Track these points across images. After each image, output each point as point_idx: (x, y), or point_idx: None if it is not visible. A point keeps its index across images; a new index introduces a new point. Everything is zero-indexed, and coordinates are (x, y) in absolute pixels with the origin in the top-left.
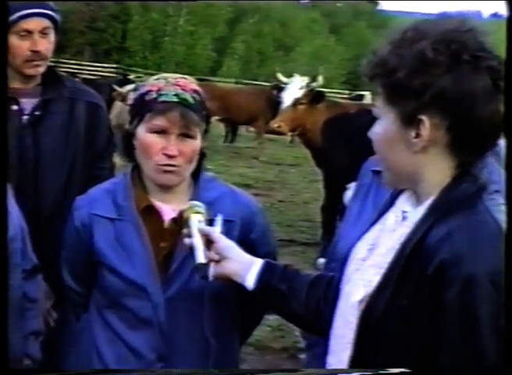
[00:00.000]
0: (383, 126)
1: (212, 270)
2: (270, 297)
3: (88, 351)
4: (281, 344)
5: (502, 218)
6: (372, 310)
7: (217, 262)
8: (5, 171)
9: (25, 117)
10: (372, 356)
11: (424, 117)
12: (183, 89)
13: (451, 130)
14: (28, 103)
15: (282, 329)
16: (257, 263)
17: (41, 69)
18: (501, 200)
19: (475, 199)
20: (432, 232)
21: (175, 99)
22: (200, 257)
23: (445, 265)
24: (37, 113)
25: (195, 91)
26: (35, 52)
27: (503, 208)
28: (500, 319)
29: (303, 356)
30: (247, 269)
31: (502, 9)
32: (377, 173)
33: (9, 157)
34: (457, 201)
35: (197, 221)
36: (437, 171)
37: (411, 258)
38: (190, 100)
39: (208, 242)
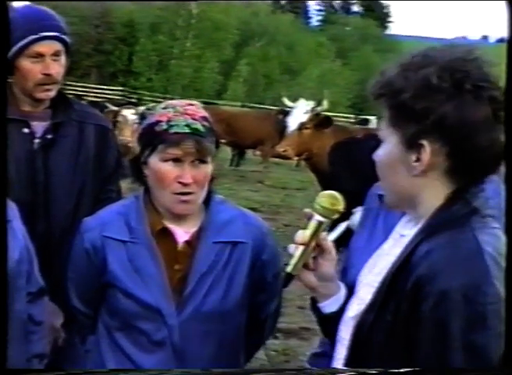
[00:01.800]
0: (386, 149)
1: (305, 277)
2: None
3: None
4: (289, 367)
5: (487, 239)
6: (361, 326)
7: (314, 270)
8: (5, 184)
9: (36, 140)
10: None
11: (425, 142)
12: (193, 118)
13: (450, 156)
14: (39, 126)
15: (287, 353)
16: (343, 288)
17: (52, 94)
18: (494, 224)
19: (463, 221)
20: (416, 251)
21: (187, 130)
22: (293, 267)
23: (421, 280)
24: (48, 137)
25: (204, 119)
26: (47, 76)
27: (497, 232)
28: (472, 333)
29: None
30: (336, 292)
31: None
32: (381, 196)
33: (20, 179)
34: (445, 222)
35: (318, 223)
36: (434, 194)
37: (396, 275)
38: (202, 129)
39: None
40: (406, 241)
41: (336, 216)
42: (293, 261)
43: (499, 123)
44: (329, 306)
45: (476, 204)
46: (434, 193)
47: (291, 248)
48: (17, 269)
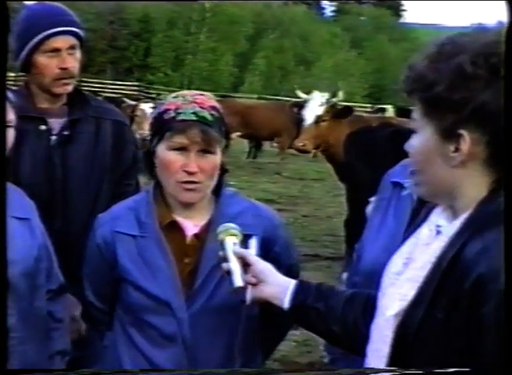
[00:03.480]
0: (421, 140)
1: (250, 294)
2: (305, 315)
3: (113, 368)
4: (307, 359)
5: None
6: (408, 324)
7: (254, 285)
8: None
9: (53, 137)
10: (409, 366)
11: (463, 132)
12: (200, 107)
13: (491, 145)
14: (56, 123)
15: (309, 344)
16: (293, 284)
17: (70, 88)
18: None
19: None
20: (468, 246)
21: (193, 117)
22: (238, 281)
23: (482, 279)
24: (65, 133)
25: (213, 108)
26: (64, 70)
27: None
28: None
29: (329, 371)
30: (284, 291)
31: None
32: (396, 184)
33: (38, 177)
34: (493, 216)
35: (232, 244)
36: (475, 186)
37: (448, 272)
38: (209, 117)
39: (245, 265)
40: (447, 233)
41: (230, 239)
42: (235, 278)
43: None
44: (284, 300)
45: None
46: (474, 183)
47: (223, 267)
48: (36, 267)
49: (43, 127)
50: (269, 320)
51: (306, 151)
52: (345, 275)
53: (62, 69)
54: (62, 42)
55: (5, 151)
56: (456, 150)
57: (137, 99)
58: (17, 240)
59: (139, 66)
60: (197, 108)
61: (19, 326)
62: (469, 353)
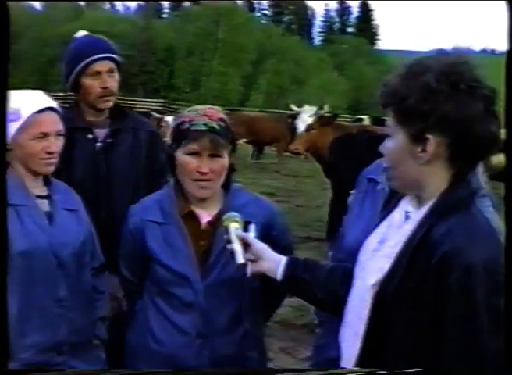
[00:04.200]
0: (394, 143)
1: (250, 269)
2: (295, 285)
3: (142, 329)
4: (302, 321)
5: (492, 217)
6: (385, 291)
7: (253, 261)
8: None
9: (98, 144)
10: (385, 329)
11: (430, 136)
12: (210, 119)
13: (451, 146)
14: (100, 133)
15: (302, 309)
16: (285, 259)
17: (111, 104)
18: (488, 202)
19: (469, 201)
20: (434, 228)
21: (204, 128)
22: (240, 258)
23: (447, 255)
24: (108, 141)
25: (221, 119)
26: (105, 89)
27: (491, 209)
28: (495, 299)
29: (318, 330)
30: (277, 265)
31: (490, 45)
32: (371, 180)
33: (85, 177)
34: (454, 203)
35: (234, 229)
36: (438, 179)
37: (417, 249)
38: (217, 127)
39: (245, 245)
40: (415, 218)
41: (234, 224)
42: (238, 256)
43: (491, 116)
44: (278, 273)
45: (474, 185)
46: (438, 178)
47: (230, 249)
48: (82, 249)
49: (90, 136)
50: (268, 290)
51: (299, 154)
52: (330, 253)
53: (103, 88)
54: (102, 66)
55: (5, 151)
56: (423, 151)
57: (163, 113)
58: (67, 227)
59: (164, 86)
60: (207, 120)
61: (68, 297)
62: (438, 316)
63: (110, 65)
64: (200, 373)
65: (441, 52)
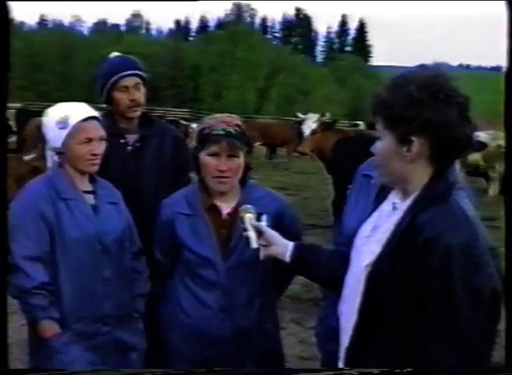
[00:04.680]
0: (383, 144)
1: (262, 253)
2: (301, 266)
3: (173, 304)
4: (308, 296)
5: (467, 207)
6: (376, 271)
7: (265, 246)
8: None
9: (129, 148)
10: (377, 303)
11: (414, 138)
12: (227, 125)
13: (432, 147)
14: (131, 138)
15: (309, 285)
16: (292, 244)
17: (138, 113)
18: (464, 194)
19: (447, 194)
20: (417, 217)
21: (222, 132)
22: (254, 244)
23: (429, 240)
24: (137, 145)
25: (237, 125)
26: (132, 101)
27: (467, 200)
28: (469, 276)
29: (322, 303)
30: (286, 250)
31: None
32: (366, 175)
33: (118, 175)
34: (434, 196)
35: (249, 219)
36: (420, 175)
37: (403, 235)
38: (233, 132)
39: (259, 233)
40: (401, 209)
41: (248, 215)
42: (252, 241)
43: (465, 120)
44: (286, 256)
45: (451, 180)
46: (420, 174)
47: (245, 236)
48: (123, 236)
49: (122, 141)
50: (279, 271)
51: (305, 154)
52: (333, 239)
53: (131, 100)
54: (129, 82)
55: (5, 152)
56: (408, 151)
57: (189, 121)
58: (110, 217)
59: (190, 98)
60: (225, 126)
61: (111, 277)
62: (422, 292)
63: (136, 80)
64: (199, 373)
65: (422, 67)
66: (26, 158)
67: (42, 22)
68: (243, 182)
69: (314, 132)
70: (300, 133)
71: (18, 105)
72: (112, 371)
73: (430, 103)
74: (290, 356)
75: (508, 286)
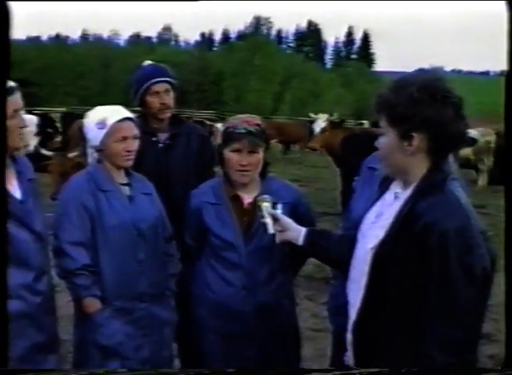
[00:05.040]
0: (386, 140)
1: (278, 237)
2: (313, 249)
3: (201, 283)
4: (320, 275)
5: (459, 195)
6: (380, 253)
7: (281, 231)
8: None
9: (160, 145)
10: (381, 281)
11: (414, 134)
12: (249, 124)
13: (430, 141)
14: (162, 136)
15: (321, 266)
16: (304, 230)
17: (168, 115)
18: (457, 184)
19: (443, 184)
20: (416, 205)
21: (244, 131)
22: (270, 230)
23: (427, 225)
24: (167, 142)
25: (257, 125)
26: (162, 104)
27: (460, 189)
28: (463, 256)
29: (332, 282)
30: (299, 235)
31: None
32: (370, 168)
33: (150, 169)
34: (432, 185)
35: (266, 207)
36: (419, 167)
37: (404, 221)
38: (254, 131)
39: (275, 220)
40: (402, 197)
41: (265, 204)
42: (268, 227)
43: (460, 118)
44: (299, 240)
45: (447, 171)
46: (419, 166)
47: (263, 222)
48: (156, 222)
49: (154, 139)
50: (294, 253)
51: (315, 149)
52: (341, 224)
53: (161, 104)
54: (159, 87)
55: (5, 152)
56: (409, 145)
57: (214, 121)
58: (144, 206)
59: (214, 101)
60: (247, 126)
61: (146, 259)
62: (422, 271)
63: (166, 86)
64: (204, 374)
65: (421, 71)
66: (70, 155)
67: (84, 36)
68: (262, 175)
69: (323, 130)
70: (311, 131)
71: (63, 109)
72: (112, 371)
73: (429, 103)
74: (304, 328)
75: (508, 286)
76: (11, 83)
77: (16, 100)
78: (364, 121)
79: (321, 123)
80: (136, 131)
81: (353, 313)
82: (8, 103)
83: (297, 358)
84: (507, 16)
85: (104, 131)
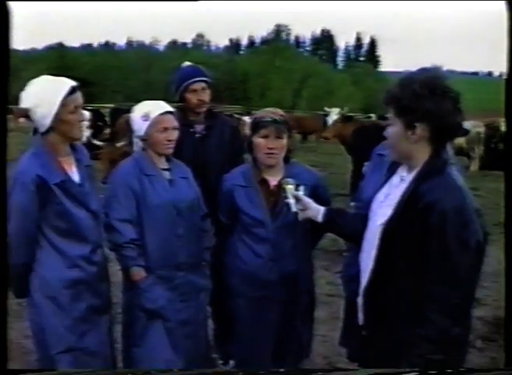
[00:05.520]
0: (393, 129)
1: (300, 215)
2: (330, 225)
3: (233, 255)
4: (335, 248)
5: (457, 178)
6: (388, 229)
7: (302, 210)
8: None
9: (197, 135)
10: (388, 253)
11: (417, 124)
12: (274, 114)
13: (431, 131)
14: (198, 127)
15: (336, 239)
16: (323, 209)
17: (204, 109)
18: (455, 168)
19: (443, 168)
20: (420, 186)
21: (270, 120)
22: (293, 208)
23: (428, 204)
24: (203, 133)
25: (281, 115)
26: (200, 101)
27: (457, 172)
28: (461, 231)
29: (345, 254)
30: (319, 213)
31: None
32: (380, 155)
33: (188, 157)
34: (433, 170)
35: (289, 189)
36: (422, 153)
37: (409, 200)
38: (279, 120)
39: (297, 200)
40: (407, 180)
41: (289, 186)
42: (292, 206)
43: (457, 111)
44: (318, 217)
45: (446, 157)
46: (422, 152)
47: (287, 202)
48: (192, 203)
49: (191, 130)
50: (314, 229)
51: (328, 139)
52: (353, 203)
53: (198, 100)
54: (197, 86)
55: (5, 154)
56: (413, 134)
57: (241, 114)
58: (182, 189)
59: (242, 97)
60: (272, 115)
61: (184, 234)
62: (423, 244)
63: (203, 85)
64: (206, 373)
65: (423, 69)
66: (118, 144)
67: (129, 42)
68: (286, 160)
69: (335, 122)
70: (325, 123)
71: (111, 105)
72: (112, 371)
73: (429, 97)
74: (319, 294)
75: (508, 287)
76: (74, 83)
77: (77, 97)
78: (371, 115)
79: (333, 116)
80: (175, 123)
81: (364, 279)
82: (70, 100)
83: (312, 319)
84: (507, 16)
85: (148, 123)
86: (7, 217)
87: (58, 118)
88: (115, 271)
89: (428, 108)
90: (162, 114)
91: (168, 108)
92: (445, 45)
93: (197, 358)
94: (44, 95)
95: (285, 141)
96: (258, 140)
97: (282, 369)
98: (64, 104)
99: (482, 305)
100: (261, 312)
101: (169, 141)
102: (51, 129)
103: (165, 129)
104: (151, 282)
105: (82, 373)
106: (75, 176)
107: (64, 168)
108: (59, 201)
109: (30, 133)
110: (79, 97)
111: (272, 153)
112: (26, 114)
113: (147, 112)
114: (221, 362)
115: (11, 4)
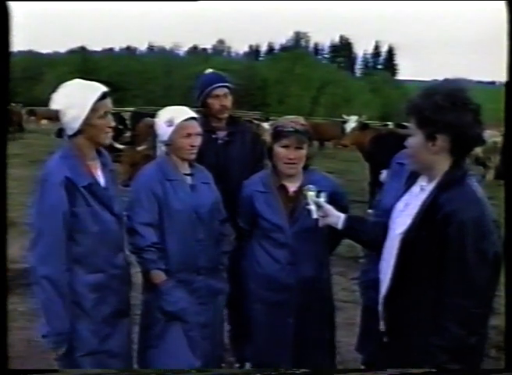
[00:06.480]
0: (414, 140)
1: (320, 222)
2: (349, 232)
3: (251, 259)
4: (351, 254)
5: (476, 189)
6: (407, 238)
7: (323, 217)
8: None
9: (219, 141)
10: (407, 262)
11: (438, 136)
12: (295, 124)
13: (452, 142)
14: (221, 133)
15: (352, 246)
16: (343, 216)
17: (226, 115)
18: (474, 179)
19: (462, 179)
20: (439, 197)
21: (291, 130)
22: (314, 215)
23: (447, 214)
24: (226, 139)
25: (302, 125)
26: (222, 106)
27: (477, 184)
28: (479, 243)
29: (361, 260)
30: (338, 220)
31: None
32: (399, 163)
33: (211, 163)
34: (452, 180)
35: (310, 196)
36: (442, 164)
37: (428, 210)
38: (300, 130)
39: (318, 206)
40: (427, 190)
41: (310, 193)
42: (313, 213)
43: (478, 123)
44: (339, 224)
45: (465, 168)
46: (442, 163)
47: (308, 209)
48: (213, 207)
49: (214, 136)
50: (333, 235)
51: (346, 146)
52: (370, 211)
53: (221, 105)
54: (219, 92)
55: (5, 153)
56: (433, 145)
57: (260, 120)
58: (204, 194)
59: (261, 103)
60: (294, 125)
61: (204, 238)
62: (442, 253)
63: (225, 91)
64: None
65: (446, 81)
66: (139, 148)
67: (150, 47)
68: (305, 167)
69: (353, 130)
70: (343, 130)
71: (132, 108)
72: (112, 371)
73: (451, 109)
74: (335, 300)
75: (508, 288)
76: (105, 89)
77: (107, 103)
78: (389, 123)
79: (351, 123)
80: (199, 129)
81: (383, 288)
82: (101, 105)
83: (332, 323)
84: (507, 16)
85: (172, 128)
86: (6, 217)
87: (87, 122)
88: (133, 273)
89: (449, 121)
90: (186, 120)
91: (192, 114)
92: (463, 54)
93: (213, 359)
94: (75, 98)
95: (305, 150)
96: (279, 149)
97: (298, 371)
98: (94, 109)
99: (496, 314)
100: (279, 316)
101: (193, 146)
102: (78, 132)
103: (189, 135)
104: (171, 285)
105: (82, 374)
106: (101, 179)
107: (91, 171)
108: (89, 204)
109: (51, 135)
110: (109, 102)
111: (293, 163)
112: (48, 116)
113: (171, 118)
114: (237, 365)
115: (13, 4)
